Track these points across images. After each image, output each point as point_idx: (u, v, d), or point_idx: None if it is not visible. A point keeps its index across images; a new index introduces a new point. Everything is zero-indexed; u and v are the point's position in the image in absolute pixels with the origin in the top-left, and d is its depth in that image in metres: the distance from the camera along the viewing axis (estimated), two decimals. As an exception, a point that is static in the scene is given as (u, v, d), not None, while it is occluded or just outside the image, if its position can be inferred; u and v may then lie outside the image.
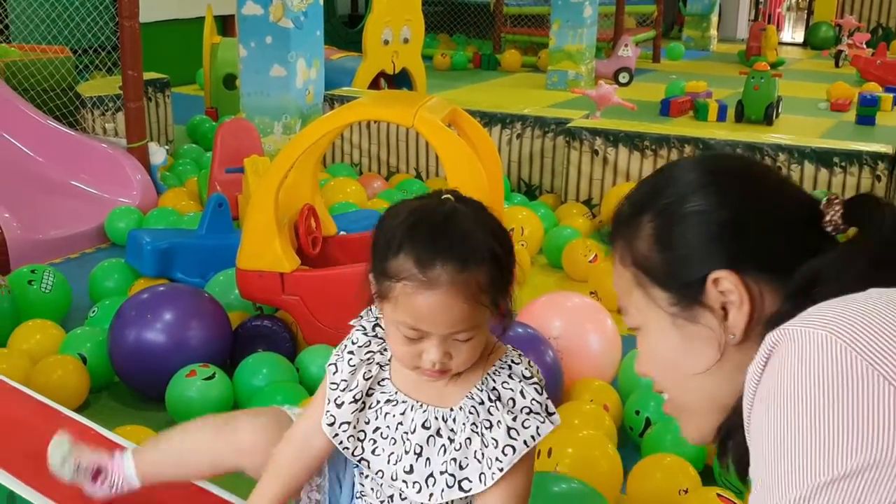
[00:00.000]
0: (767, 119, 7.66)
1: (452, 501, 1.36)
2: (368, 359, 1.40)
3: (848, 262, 0.93)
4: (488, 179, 2.97)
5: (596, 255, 4.01)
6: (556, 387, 2.70)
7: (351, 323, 1.47)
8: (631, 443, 2.70)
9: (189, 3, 8.61)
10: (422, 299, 1.25)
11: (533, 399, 1.35)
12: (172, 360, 2.80)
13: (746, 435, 0.90)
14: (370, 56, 6.66)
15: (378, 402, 1.39)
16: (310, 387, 2.82)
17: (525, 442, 1.33)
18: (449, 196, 1.33)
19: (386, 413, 1.38)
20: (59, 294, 3.43)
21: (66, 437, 1.70)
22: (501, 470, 1.32)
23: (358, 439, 1.39)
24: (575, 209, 4.78)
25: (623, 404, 2.76)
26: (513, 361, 1.38)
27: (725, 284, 0.98)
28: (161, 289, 3.08)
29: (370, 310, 1.44)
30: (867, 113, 7.89)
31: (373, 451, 1.39)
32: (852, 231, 0.98)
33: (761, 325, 0.96)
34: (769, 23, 13.24)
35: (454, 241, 1.26)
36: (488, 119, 5.16)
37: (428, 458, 1.35)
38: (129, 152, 4.81)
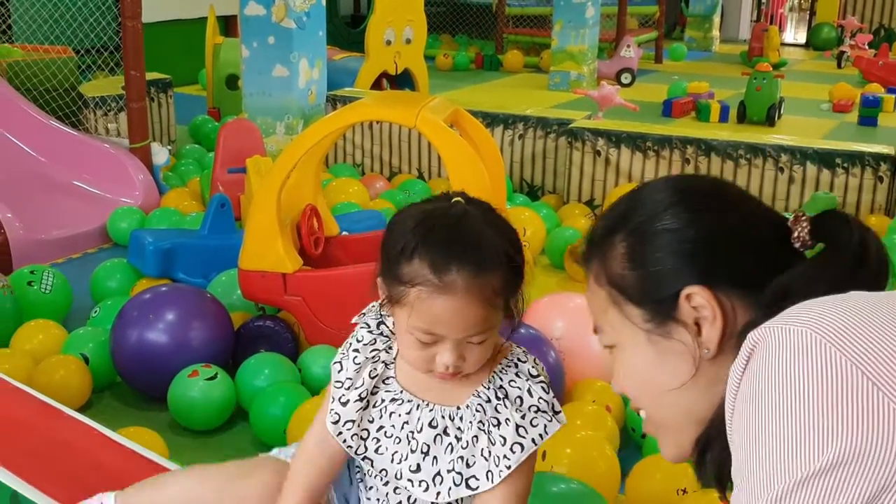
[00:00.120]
0: (769, 120, 7.65)
1: (460, 500, 1.36)
2: (374, 357, 1.40)
3: (816, 277, 0.95)
4: (490, 180, 2.97)
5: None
6: (558, 387, 2.70)
7: (354, 320, 1.46)
8: (633, 444, 2.70)
9: (191, 4, 8.61)
10: (438, 304, 1.25)
11: (540, 398, 1.35)
12: (174, 361, 2.81)
13: (728, 438, 0.91)
14: (372, 56, 6.66)
15: (383, 400, 1.38)
16: (312, 387, 2.82)
17: (533, 440, 1.33)
18: (459, 198, 1.33)
19: (391, 412, 1.38)
20: (60, 295, 3.43)
21: None
22: (509, 468, 1.32)
23: (361, 438, 1.39)
24: (577, 210, 4.78)
25: (625, 405, 2.76)
26: (519, 359, 1.39)
27: (698, 300, 1.00)
28: (163, 289, 3.08)
29: (373, 306, 1.44)
30: (869, 114, 7.88)
31: (376, 450, 1.38)
32: (820, 247, 1.01)
33: (735, 338, 0.98)
34: (771, 23, 13.22)
35: (469, 244, 1.26)
36: (490, 120, 5.16)
37: (435, 457, 1.35)
38: (131, 152, 4.82)
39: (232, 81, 6.80)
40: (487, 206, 1.35)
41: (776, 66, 9.61)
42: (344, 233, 3.51)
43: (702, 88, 8.52)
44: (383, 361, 1.39)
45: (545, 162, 5.17)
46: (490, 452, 1.33)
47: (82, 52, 5.85)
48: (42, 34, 5.97)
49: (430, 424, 1.35)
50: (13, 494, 1.75)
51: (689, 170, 4.70)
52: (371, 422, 1.39)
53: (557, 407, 1.37)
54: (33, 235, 4.07)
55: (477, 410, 1.34)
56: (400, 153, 5.53)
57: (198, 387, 2.73)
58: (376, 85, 6.72)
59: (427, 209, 1.31)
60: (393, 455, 1.37)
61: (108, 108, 5.56)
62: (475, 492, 1.34)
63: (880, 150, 4.52)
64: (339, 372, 1.40)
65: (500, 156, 3.36)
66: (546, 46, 10.33)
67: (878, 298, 0.89)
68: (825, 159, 4.49)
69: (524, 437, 1.33)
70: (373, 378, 1.38)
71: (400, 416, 1.37)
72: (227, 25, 8.77)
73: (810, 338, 0.81)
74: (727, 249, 1.02)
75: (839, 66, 11.52)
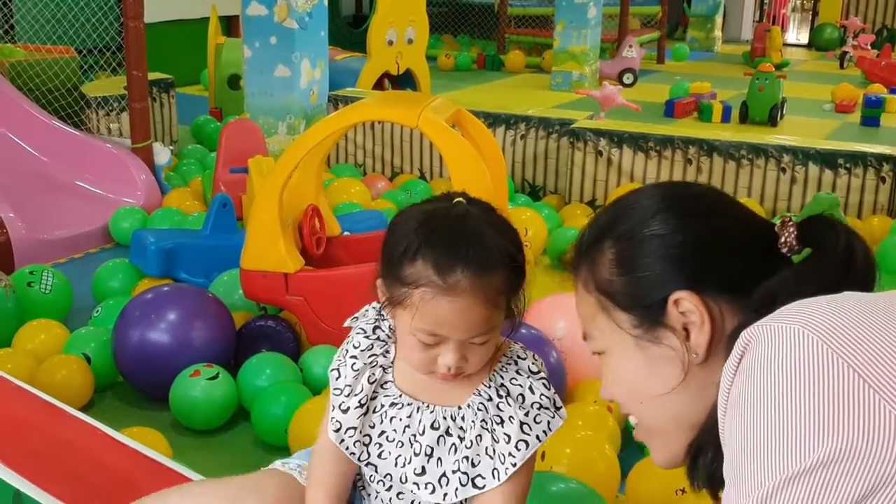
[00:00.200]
0: (772, 120, 7.65)
1: (466, 500, 1.36)
2: (372, 362, 1.38)
3: (803, 281, 0.96)
4: (492, 180, 2.97)
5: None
6: (560, 388, 2.70)
7: (347, 324, 1.45)
8: (634, 444, 2.69)
9: (193, 4, 8.62)
10: (442, 305, 1.24)
11: (542, 394, 1.35)
12: (176, 360, 2.81)
13: (721, 438, 0.91)
14: (374, 57, 6.66)
15: (382, 405, 1.37)
16: (313, 387, 2.82)
17: (538, 437, 1.33)
18: (460, 199, 1.32)
19: (392, 416, 1.37)
20: (60, 295, 3.42)
21: None
22: (515, 465, 1.32)
23: (364, 444, 1.38)
24: (579, 210, 4.77)
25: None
26: (518, 356, 1.38)
27: (686, 305, 1.01)
28: (165, 289, 3.08)
29: (366, 310, 1.43)
30: (872, 114, 7.88)
31: (379, 455, 1.37)
32: (807, 252, 1.02)
33: (723, 343, 0.99)
34: (774, 24, 13.22)
35: (472, 245, 1.25)
36: (492, 120, 5.16)
37: (439, 459, 1.34)
38: (133, 152, 4.82)
39: (234, 81, 6.80)
40: (488, 205, 1.34)
41: (778, 67, 9.60)
42: (346, 233, 3.52)
43: (704, 89, 8.52)
44: (381, 366, 1.38)
45: (547, 162, 5.17)
46: (495, 450, 1.33)
47: (85, 52, 5.86)
48: (44, 34, 5.97)
49: (431, 426, 1.35)
50: (16, 493, 1.75)
51: (692, 170, 4.70)
52: (372, 427, 1.38)
53: (559, 402, 1.37)
54: (35, 235, 4.07)
55: (479, 409, 1.34)
56: (402, 153, 5.53)
57: (199, 386, 2.73)
58: (378, 85, 6.72)
59: (429, 210, 1.31)
60: (396, 459, 1.36)
61: (111, 108, 5.57)
62: (482, 490, 1.34)
63: (883, 150, 4.52)
64: (337, 379, 1.39)
65: (502, 156, 3.36)
66: (548, 47, 10.33)
67: (869, 298, 0.89)
68: (827, 160, 4.49)
69: (528, 435, 1.33)
70: (372, 383, 1.37)
71: (401, 419, 1.36)
72: (229, 25, 8.78)
73: (803, 335, 0.82)
74: (715, 255, 1.03)
75: (842, 66, 11.52)
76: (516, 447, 1.32)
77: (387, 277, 1.30)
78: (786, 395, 0.79)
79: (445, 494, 1.34)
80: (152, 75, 5.43)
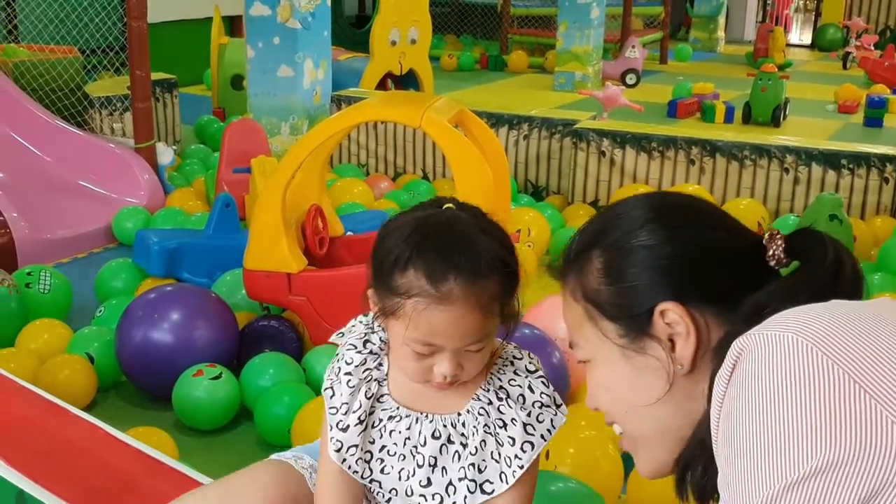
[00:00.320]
0: (775, 121, 7.64)
1: None
2: (367, 377, 1.36)
3: (791, 294, 0.95)
4: (495, 180, 2.97)
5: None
6: (562, 388, 2.70)
7: (333, 339, 1.43)
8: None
9: (197, 4, 8.62)
10: (436, 315, 1.22)
11: (542, 392, 1.34)
12: (179, 360, 2.81)
13: (714, 449, 0.91)
14: (377, 57, 6.66)
15: (381, 419, 1.35)
16: (316, 387, 2.82)
17: (542, 436, 1.32)
18: (450, 205, 1.30)
19: (391, 430, 1.34)
20: (59, 294, 3.42)
21: None
22: (522, 467, 1.31)
23: (365, 461, 1.35)
24: (582, 210, 4.77)
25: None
26: (514, 357, 1.37)
27: (672, 316, 1.01)
28: (168, 289, 3.09)
29: (352, 325, 1.41)
30: (875, 115, 7.87)
31: (381, 470, 1.35)
32: (795, 265, 1.02)
33: (709, 354, 1.00)
34: (777, 24, 13.21)
35: (464, 252, 1.23)
36: (495, 120, 5.16)
37: (444, 468, 1.32)
38: (136, 152, 4.83)
39: (237, 81, 6.81)
40: (478, 210, 1.32)
41: (781, 67, 9.59)
42: (349, 233, 3.52)
43: (707, 89, 8.52)
44: (376, 379, 1.36)
45: (550, 162, 5.17)
46: (500, 454, 1.32)
47: (88, 52, 5.86)
48: (48, 34, 5.98)
49: (432, 436, 1.32)
50: (19, 493, 1.76)
51: (695, 170, 4.70)
52: (372, 443, 1.35)
53: (559, 399, 1.36)
54: (39, 235, 4.07)
55: (480, 414, 1.32)
56: (405, 153, 5.53)
57: (202, 386, 2.73)
58: (381, 85, 6.72)
59: (418, 217, 1.28)
60: (400, 473, 1.34)
61: (114, 107, 5.57)
62: (491, 496, 1.32)
63: (886, 151, 4.51)
64: (332, 398, 1.36)
65: (505, 156, 3.36)
66: (551, 47, 10.32)
67: (859, 306, 0.90)
68: (831, 160, 4.48)
69: (533, 435, 1.32)
70: (369, 398, 1.35)
71: (400, 432, 1.34)
72: (233, 26, 8.79)
73: (797, 343, 0.81)
74: (702, 266, 1.03)
75: (845, 66, 11.51)
76: (522, 449, 1.31)
77: (378, 288, 1.28)
78: (782, 403, 0.79)
79: (455, 503, 1.33)
80: (155, 75, 5.43)
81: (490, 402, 1.33)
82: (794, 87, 8.54)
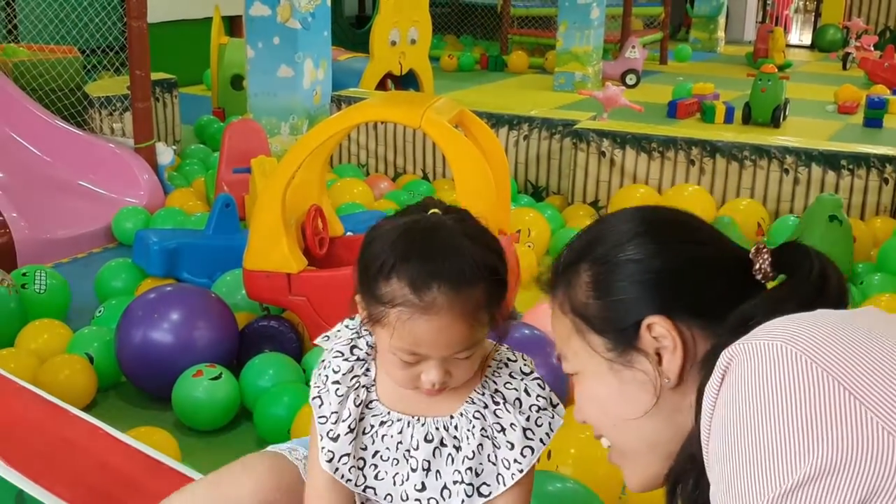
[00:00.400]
0: (775, 121, 7.65)
1: None
2: (355, 384, 1.34)
3: (777, 307, 0.96)
4: (495, 181, 2.97)
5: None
6: (562, 389, 2.69)
7: (318, 342, 1.41)
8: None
9: (197, 4, 8.62)
10: (420, 324, 1.20)
11: (538, 395, 1.33)
12: (179, 360, 2.81)
13: (706, 461, 0.90)
14: (377, 57, 6.66)
15: (372, 426, 1.33)
16: (316, 387, 2.82)
17: (541, 440, 1.32)
18: (435, 210, 1.27)
19: (382, 435, 1.33)
20: (56, 294, 3.40)
21: None
22: (521, 472, 1.30)
23: (358, 468, 1.34)
24: (582, 211, 4.77)
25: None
26: (508, 359, 1.35)
27: (658, 329, 1.02)
28: (168, 289, 3.08)
29: (338, 330, 1.40)
30: (875, 116, 7.87)
31: (375, 476, 1.34)
32: (781, 278, 1.03)
33: (695, 367, 1.00)
34: (777, 25, 13.21)
35: (448, 259, 1.20)
36: (495, 120, 5.16)
37: (438, 471, 1.31)
38: (136, 152, 4.82)
39: (237, 82, 6.81)
40: (465, 214, 1.30)
41: (781, 68, 9.59)
42: (349, 233, 3.52)
43: (707, 90, 8.52)
44: (364, 386, 1.34)
45: (550, 163, 5.17)
46: (497, 457, 1.31)
47: (88, 51, 5.86)
48: (47, 34, 5.97)
49: (425, 439, 1.31)
50: (19, 493, 1.76)
51: (695, 171, 4.70)
52: (364, 449, 1.33)
53: (555, 400, 1.35)
54: (38, 235, 4.07)
55: (476, 418, 1.31)
56: (405, 154, 5.53)
57: (202, 387, 2.73)
58: (381, 85, 6.72)
59: (402, 224, 1.26)
60: (394, 478, 1.33)
61: (114, 107, 5.57)
62: (488, 498, 1.32)
63: (886, 151, 4.51)
64: (320, 407, 1.34)
65: (505, 156, 3.36)
66: (551, 47, 10.32)
67: (846, 314, 0.91)
68: (830, 161, 4.48)
69: (532, 440, 1.31)
70: (358, 406, 1.33)
71: (392, 437, 1.32)
72: (232, 26, 8.78)
73: (786, 351, 0.82)
74: (689, 280, 1.04)
75: (844, 67, 11.52)
76: (521, 454, 1.30)
77: (364, 294, 1.26)
78: (773, 412, 0.79)
79: None
80: (155, 75, 5.43)
81: (486, 406, 1.31)
82: (794, 87, 8.54)
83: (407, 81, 6.96)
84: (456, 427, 1.31)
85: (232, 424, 2.82)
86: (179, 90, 6.25)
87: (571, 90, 9.02)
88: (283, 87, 5.43)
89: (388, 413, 1.33)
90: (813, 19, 15.79)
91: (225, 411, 2.77)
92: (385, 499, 1.35)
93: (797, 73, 10.66)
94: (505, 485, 1.31)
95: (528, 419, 1.31)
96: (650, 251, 1.05)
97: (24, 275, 3.39)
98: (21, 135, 4.79)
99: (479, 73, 10.93)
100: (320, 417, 1.34)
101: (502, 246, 1.30)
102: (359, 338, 1.37)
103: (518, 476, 1.30)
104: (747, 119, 7.74)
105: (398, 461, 1.32)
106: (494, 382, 1.33)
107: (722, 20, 13.45)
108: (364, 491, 1.35)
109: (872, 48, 10.94)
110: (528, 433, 1.31)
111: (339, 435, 1.32)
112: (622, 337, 1.04)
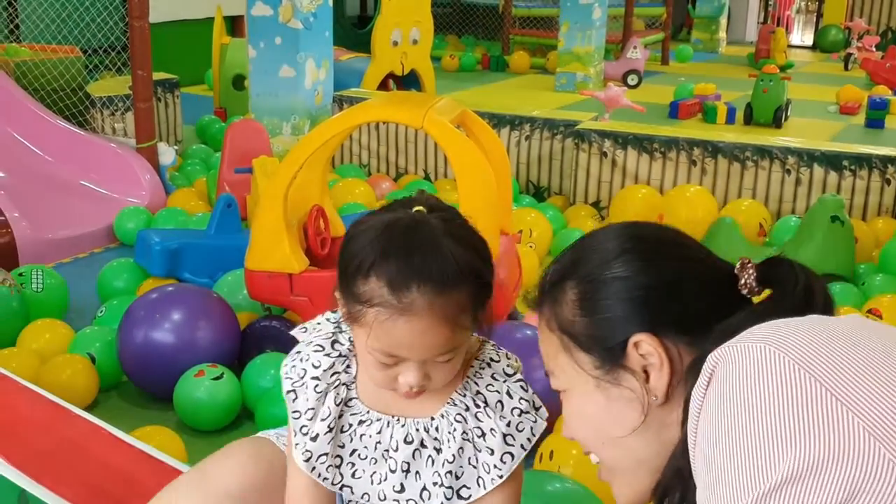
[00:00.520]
0: (776, 122, 7.64)
1: None
2: (335, 381, 1.29)
3: (763, 320, 0.95)
4: (497, 181, 2.97)
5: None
6: (557, 394, 2.69)
7: (295, 333, 1.37)
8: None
9: (198, 4, 8.63)
10: (398, 326, 1.16)
11: (521, 398, 1.29)
12: (181, 360, 2.81)
13: (693, 467, 0.90)
14: (379, 57, 6.66)
15: (350, 424, 1.30)
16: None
17: (522, 446, 1.28)
18: (420, 207, 1.22)
19: (361, 434, 1.29)
20: (54, 294, 3.40)
21: None
22: (501, 477, 1.27)
23: (335, 466, 1.30)
24: (583, 211, 4.77)
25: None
26: (492, 359, 1.32)
27: (645, 347, 1.02)
28: (169, 289, 3.09)
29: (318, 324, 1.35)
30: (877, 116, 7.87)
31: (353, 475, 1.30)
32: (767, 293, 1.03)
33: (682, 383, 1.00)
34: (778, 25, 13.20)
35: (429, 259, 1.15)
36: (497, 121, 5.16)
37: (417, 472, 1.29)
38: (138, 152, 4.83)
39: (238, 82, 6.81)
40: (452, 213, 1.24)
41: (783, 68, 9.59)
42: (350, 233, 3.51)
43: (708, 90, 8.52)
44: (344, 384, 1.30)
45: (552, 163, 5.17)
46: (478, 460, 1.28)
47: (89, 51, 5.86)
48: (49, 34, 5.98)
49: (405, 440, 1.28)
50: (21, 493, 1.76)
51: (696, 171, 4.70)
52: (342, 447, 1.30)
53: (538, 402, 1.31)
54: (40, 235, 4.08)
55: (457, 420, 1.27)
56: (406, 154, 5.53)
57: (204, 387, 2.73)
58: (383, 86, 6.72)
59: (385, 220, 1.20)
60: (372, 476, 1.30)
61: (115, 107, 5.57)
62: (468, 501, 1.29)
63: (887, 152, 4.51)
64: (294, 401, 1.30)
65: (507, 157, 3.36)
66: (552, 48, 10.33)
67: (830, 320, 0.91)
68: (832, 161, 4.48)
69: (513, 446, 1.28)
70: (338, 405, 1.29)
71: (371, 437, 1.29)
72: (234, 26, 8.79)
73: (769, 353, 0.82)
74: (675, 298, 1.04)
75: (846, 68, 11.51)
76: (501, 460, 1.27)
77: (343, 292, 1.22)
78: (756, 413, 0.79)
79: None
80: (157, 75, 5.43)
81: (467, 409, 1.28)
82: (796, 88, 8.53)
83: (409, 82, 6.97)
84: (437, 429, 1.28)
85: (233, 424, 2.82)
86: (181, 90, 6.25)
87: (573, 90, 9.02)
88: (284, 87, 5.43)
89: (368, 412, 1.30)
90: (815, 20, 15.79)
91: (226, 411, 2.77)
92: (362, 497, 1.32)
93: (799, 73, 10.65)
94: (485, 488, 1.28)
95: (508, 424, 1.28)
96: (636, 268, 1.05)
97: (20, 274, 3.39)
98: (23, 135, 4.80)
99: (481, 73, 10.93)
100: (294, 412, 1.30)
101: (489, 247, 1.25)
102: (340, 332, 1.32)
103: (498, 481, 1.28)
104: (749, 119, 7.74)
105: (376, 461, 1.30)
106: (476, 384, 1.29)
107: (723, 21, 13.45)
108: (341, 489, 1.32)
109: (874, 49, 10.94)
110: (509, 439, 1.27)
111: (317, 434, 1.29)
112: (609, 355, 1.04)
